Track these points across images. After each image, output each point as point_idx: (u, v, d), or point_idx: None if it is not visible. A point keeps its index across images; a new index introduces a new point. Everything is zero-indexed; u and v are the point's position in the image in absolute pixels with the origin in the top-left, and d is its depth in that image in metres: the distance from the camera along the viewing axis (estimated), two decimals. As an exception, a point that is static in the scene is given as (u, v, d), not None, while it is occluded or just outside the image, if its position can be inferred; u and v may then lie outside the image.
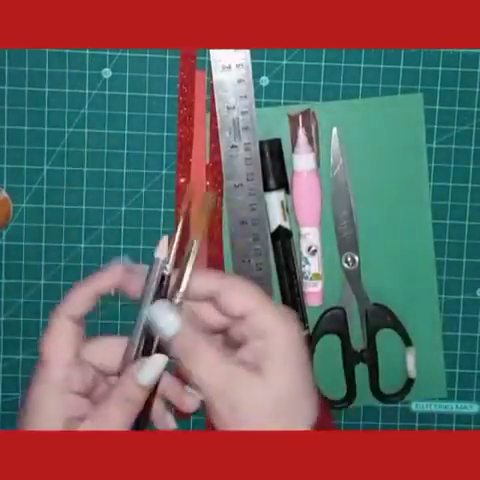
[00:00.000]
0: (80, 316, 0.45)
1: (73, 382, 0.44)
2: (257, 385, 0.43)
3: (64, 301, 0.45)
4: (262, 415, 0.43)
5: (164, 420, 0.48)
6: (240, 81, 0.56)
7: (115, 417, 0.44)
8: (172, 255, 0.43)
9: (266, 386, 0.43)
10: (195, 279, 0.44)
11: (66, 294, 0.45)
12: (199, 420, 0.60)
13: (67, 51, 0.57)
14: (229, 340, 0.46)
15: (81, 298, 0.45)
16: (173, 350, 0.43)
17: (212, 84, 0.57)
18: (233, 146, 0.56)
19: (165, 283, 0.44)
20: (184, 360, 0.43)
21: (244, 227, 0.58)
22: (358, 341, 0.60)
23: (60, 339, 0.44)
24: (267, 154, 0.58)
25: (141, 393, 0.44)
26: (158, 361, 0.44)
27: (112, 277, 0.45)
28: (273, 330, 0.44)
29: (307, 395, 0.44)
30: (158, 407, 0.47)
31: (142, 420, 0.45)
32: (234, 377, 0.43)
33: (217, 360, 0.43)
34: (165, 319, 0.43)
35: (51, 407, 0.44)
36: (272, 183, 0.58)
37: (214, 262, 0.59)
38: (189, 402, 0.47)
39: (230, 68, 0.56)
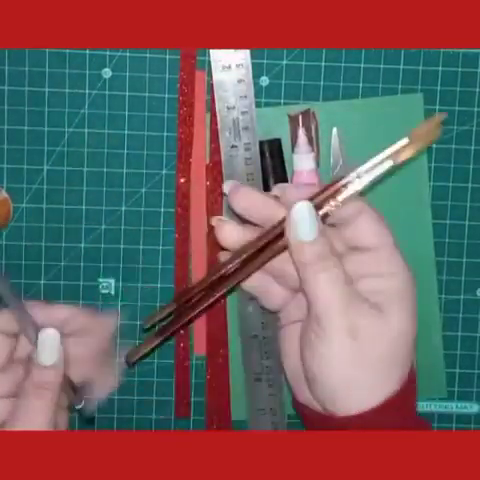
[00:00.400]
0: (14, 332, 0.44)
1: None
2: (377, 319, 0.41)
3: None
4: (374, 351, 0.41)
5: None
6: (240, 81, 0.56)
7: (36, 408, 0.43)
8: None
9: (385, 324, 0.42)
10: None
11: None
12: (199, 420, 0.60)
13: (67, 51, 0.57)
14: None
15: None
16: (303, 256, 0.42)
17: (212, 84, 0.57)
18: (233, 146, 0.56)
19: None
20: (310, 269, 0.41)
21: (244, 227, 0.58)
22: (358, 341, 0.60)
23: None
24: (267, 154, 0.58)
25: (52, 375, 0.43)
26: (50, 336, 0.43)
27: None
28: (401, 274, 0.43)
29: (413, 347, 0.43)
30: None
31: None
32: (355, 303, 0.41)
33: (343, 280, 0.41)
34: (307, 222, 0.42)
35: None
36: (272, 183, 0.58)
37: (214, 262, 0.59)
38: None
39: (230, 68, 0.56)
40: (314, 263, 0.42)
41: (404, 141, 0.44)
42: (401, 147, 0.44)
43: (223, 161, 0.57)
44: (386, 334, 0.42)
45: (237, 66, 0.56)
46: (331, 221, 0.44)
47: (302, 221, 0.42)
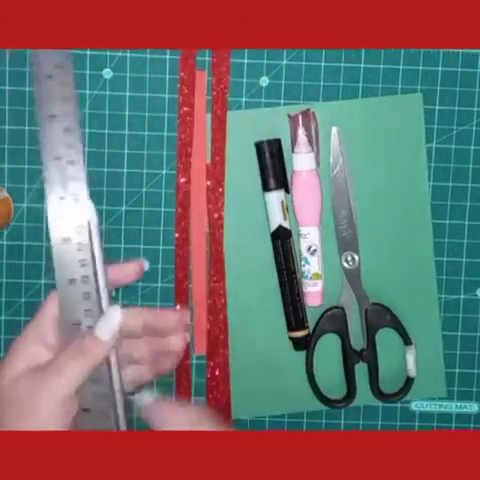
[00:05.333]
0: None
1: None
2: None
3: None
4: None
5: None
6: (66, 130, 0.45)
7: (66, 367, 0.44)
8: None
9: None
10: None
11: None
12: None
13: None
14: None
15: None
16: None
17: (213, 84, 0.57)
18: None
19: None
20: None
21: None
22: (358, 341, 0.60)
23: None
24: (267, 154, 0.58)
25: (99, 348, 0.45)
26: (113, 314, 0.45)
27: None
28: None
29: None
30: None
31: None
32: None
33: None
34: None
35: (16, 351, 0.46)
36: (272, 183, 0.58)
37: (214, 262, 0.59)
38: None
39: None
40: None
41: None
42: None
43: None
44: None
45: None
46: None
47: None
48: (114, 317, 0.45)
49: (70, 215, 0.45)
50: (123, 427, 0.45)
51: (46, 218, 0.46)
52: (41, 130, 0.44)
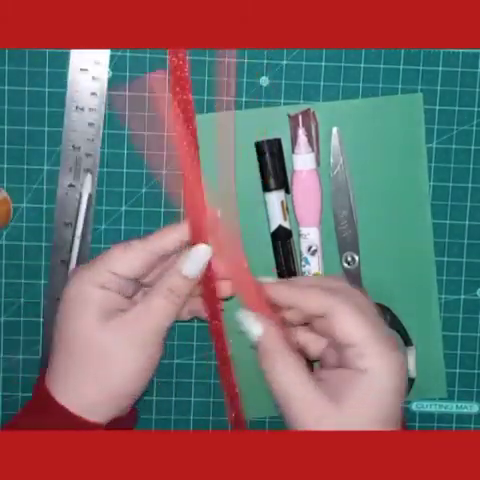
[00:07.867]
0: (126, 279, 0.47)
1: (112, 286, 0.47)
2: (330, 414, 0.44)
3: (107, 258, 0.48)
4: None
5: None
6: (90, 124, 0.57)
7: (159, 306, 0.45)
8: None
9: (339, 417, 0.44)
10: (308, 295, 0.47)
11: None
12: (200, 420, 0.60)
13: (67, 51, 0.57)
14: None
15: (135, 258, 0.47)
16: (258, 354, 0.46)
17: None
18: (70, 185, 0.57)
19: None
20: (268, 368, 0.45)
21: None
22: (358, 341, 0.60)
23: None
24: (267, 154, 0.58)
25: (186, 285, 0.46)
26: (200, 252, 0.46)
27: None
28: (372, 370, 0.45)
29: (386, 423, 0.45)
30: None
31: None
32: (311, 400, 0.44)
33: (299, 379, 0.45)
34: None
35: (88, 294, 0.46)
36: (272, 183, 0.58)
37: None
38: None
39: (83, 110, 0.57)
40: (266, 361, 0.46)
41: None
42: None
43: (58, 197, 0.58)
44: (340, 424, 0.44)
45: (90, 110, 0.57)
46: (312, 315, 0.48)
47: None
48: (201, 254, 0.46)
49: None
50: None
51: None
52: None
